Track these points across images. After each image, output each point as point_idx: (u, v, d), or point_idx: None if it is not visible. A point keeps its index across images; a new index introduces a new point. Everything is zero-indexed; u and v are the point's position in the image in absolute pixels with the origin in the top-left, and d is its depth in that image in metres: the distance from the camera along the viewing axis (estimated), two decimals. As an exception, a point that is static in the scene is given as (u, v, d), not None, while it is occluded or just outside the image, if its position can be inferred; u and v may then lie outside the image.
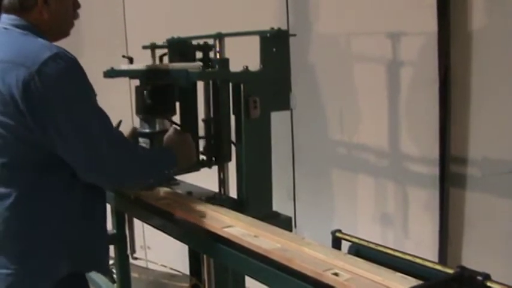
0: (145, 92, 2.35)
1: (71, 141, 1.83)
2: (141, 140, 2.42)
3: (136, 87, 2.44)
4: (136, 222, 2.70)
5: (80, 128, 1.83)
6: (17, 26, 1.92)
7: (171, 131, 2.33)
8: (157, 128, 2.40)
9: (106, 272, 2.50)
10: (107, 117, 1.93)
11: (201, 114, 2.51)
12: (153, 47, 2.64)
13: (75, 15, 2.09)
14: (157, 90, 2.37)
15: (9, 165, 1.89)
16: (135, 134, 2.44)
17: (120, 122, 2.41)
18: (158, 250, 4.50)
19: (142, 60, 2.57)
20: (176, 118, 2.51)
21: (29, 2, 1.93)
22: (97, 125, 1.86)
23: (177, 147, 2.22)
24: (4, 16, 1.96)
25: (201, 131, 2.49)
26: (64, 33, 2.07)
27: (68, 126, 1.81)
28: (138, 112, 2.43)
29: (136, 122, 2.51)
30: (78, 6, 2.09)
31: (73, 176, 1.91)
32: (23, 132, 1.82)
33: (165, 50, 2.65)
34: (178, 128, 2.43)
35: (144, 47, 2.65)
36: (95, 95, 1.91)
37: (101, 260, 2.15)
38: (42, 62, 1.76)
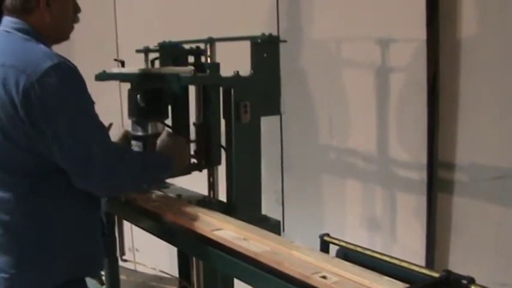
0: (138, 95, 2.36)
1: (68, 149, 1.84)
2: (133, 142, 2.43)
3: (129, 90, 2.45)
4: (125, 224, 2.71)
5: (77, 136, 1.84)
6: (19, 30, 1.93)
7: (164, 134, 2.33)
8: (150, 131, 2.41)
9: (99, 275, 2.51)
10: (103, 127, 1.95)
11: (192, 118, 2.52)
12: (146, 51, 2.65)
13: (75, 19, 2.09)
14: (151, 93, 2.38)
15: (8, 171, 1.90)
16: (127, 136, 2.45)
17: (110, 125, 2.41)
18: (147, 252, 4.50)
19: (133, 64, 2.58)
20: (168, 121, 2.52)
21: (31, 4, 1.93)
22: (94, 134, 1.87)
23: (171, 150, 2.23)
24: (6, 19, 1.97)
25: (193, 135, 2.50)
26: (64, 36, 2.09)
27: (65, 134, 1.81)
28: (130, 115, 2.44)
29: (127, 124, 2.52)
30: (78, 10, 2.10)
31: (71, 182, 1.91)
32: (22, 138, 1.83)
33: (157, 54, 2.66)
34: (171, 131, 2.44)
35: (138, 51, 2.66)
36: (93, 103, 1.93)
37: (98, 265, 2.16)
38: (44, 71, 1.77)
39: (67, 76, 1.83)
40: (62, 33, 2.07)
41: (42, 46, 1.90)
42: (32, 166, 1.90)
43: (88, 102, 1.91)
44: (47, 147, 1.84)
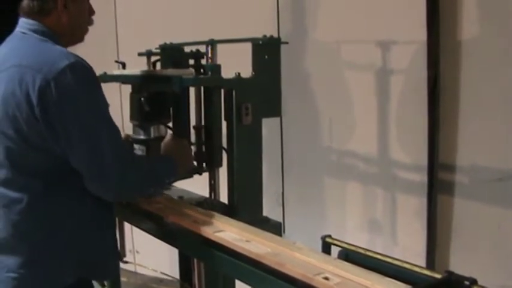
0: (142, 98, 2.35)
1: (79, 151, 1.84)
2: (136, 146, 2.43)
3: (132, 94, 2.45)
4: (125, 226, 2.71)
5: (89, 138, 1.83)
6: (35, 31, 1.93)
7: (168, 137, 2.33)
8: (153, 134, 2.41)
9: (111, 277, 2.50)
10: (116, 130, 1.93)
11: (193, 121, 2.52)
12: (149, 54, 2.65)
13: (90, 21, 2.10)
14: (154, 96, 2.38)
15: (22, 171, 1.89)
16: (128, 140, 2.45)
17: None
18: (147, 254, 4.50)
19: (134, 66, 2.58)
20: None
21: (49, 6, 1.94)
22: (105, 136, 1.86)
23: (176, 154, 2.21)
24: (22, 20, 1.97)
25: (192, 138, 2.50)
26: (79, 38, 2.09)
27: (77, 135, 1.81)
28: (133, 119, 2.44)
29: (127, 126, 2.52)
30: (92, 12, 2.10)
31: (84, 184, 1.91)
32: (36, 138, 1.83)
33: (158, 56, 2.66)
34: (174, 134, 2.43)
35: (140, 54, 2.66)
36: (108, 105, 1.92)
37: (109, 268, 2.15)
38: (60, 70, 1.77)
39: (83, 76, 1.82)
40: (78, 35, 2.07)
41: (58, 47, 1.91)
42: (46, 166, 1.90)
43: (102, 103, 1.90)
44: (60, 148, 1.83)
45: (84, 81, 1.82)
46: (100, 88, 1.90)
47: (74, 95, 1.80)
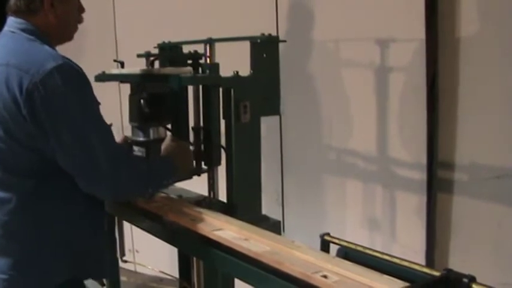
0: (142, 100, 2.35)
1: (71, 152, 1.83)
2: (135, 148, 2.42)
3: (131, 95, 2.45)
4: (124, 225, 2.71)
5: (80, 139, 1.82)
6: (23, 30, 1.93)
7: (168, 139, 2.32)
8: (152, 136, 2.40)
9: (106, 277, 2.49)
10: (108, 130, 1.93)
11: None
12: (147, 56, 2.65)
13: (79, 19, 2.10)
14: (153, 98, 2.37)
15: (11, 170, 1.89)
16: (127, 142, 2.44)
17: (110, 125, 2.41)
18: (147, 253, 4.50)
19: (133, 65, 2.58)
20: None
21: (36, 5, 1.94)
22: (96, 137, 1.85)
23: (176, 155, 2.21)
24: (11, 19, 1.98)
25: (191, 137, 2.49)
26: (68, 37, 2.09)
27: (68, 136, 1.81)
28: (132, 120, 2.43)
29: (126, 127, 2.52)
30: (82, 10, 2.10)
31: (74, 183, 1.90)
32: (25, 138, 1.83)
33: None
34: (174, 136, 2.43)
35: (139, 56, 2.66)
36: (98, 104, 1.92)
37: (104, 267, 2.14)
38: (47, 72, 1.77)
39: (70, 77, 1.82)
40: (66, 33, 2.07)
41: (46, 47, 1.90)
42: (35, 166, 1.89)
43: (92, 103, 1.89)
44: (50, 149, 1.83)
45: (71, 82, 1.82)
46: (90, 88, 1.89)
47: (62, 96, 1.79)
